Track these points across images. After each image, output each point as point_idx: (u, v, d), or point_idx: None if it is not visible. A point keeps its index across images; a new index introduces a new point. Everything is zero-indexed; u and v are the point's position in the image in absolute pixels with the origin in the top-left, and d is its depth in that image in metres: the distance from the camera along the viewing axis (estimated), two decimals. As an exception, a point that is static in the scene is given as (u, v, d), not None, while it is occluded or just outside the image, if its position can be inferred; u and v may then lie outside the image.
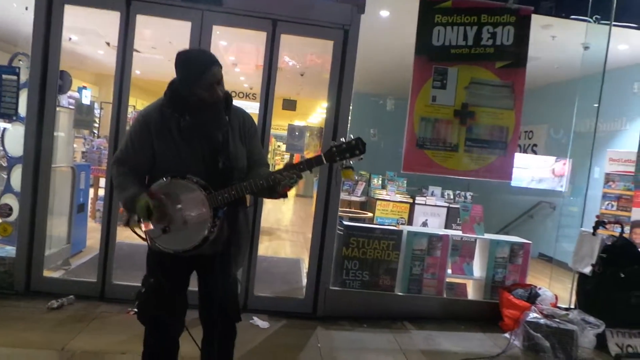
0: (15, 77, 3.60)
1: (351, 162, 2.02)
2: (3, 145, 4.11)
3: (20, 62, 3.92)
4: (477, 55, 3.91)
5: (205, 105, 1.98)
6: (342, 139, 2.01)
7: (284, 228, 7.86)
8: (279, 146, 18.63)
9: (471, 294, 4.35)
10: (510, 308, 3.83)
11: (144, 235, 2.08)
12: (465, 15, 3.85)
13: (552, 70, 6.64)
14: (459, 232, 4.31)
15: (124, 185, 2.03)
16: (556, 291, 4.12)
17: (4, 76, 3.56)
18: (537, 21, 4.10)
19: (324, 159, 1.99)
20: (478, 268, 4.34)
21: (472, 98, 3.94)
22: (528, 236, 4.47)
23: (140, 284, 2.16)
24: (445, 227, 6.29)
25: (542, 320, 3.52)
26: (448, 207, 6.80)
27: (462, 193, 7.06)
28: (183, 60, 1.99)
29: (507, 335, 3.73)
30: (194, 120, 1.99)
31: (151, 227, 1.99)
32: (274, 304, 3.84)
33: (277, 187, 1.99)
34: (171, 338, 2.20)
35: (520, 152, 4.37)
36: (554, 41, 5.27)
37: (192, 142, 2.00)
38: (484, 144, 3.98)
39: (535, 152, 7.78)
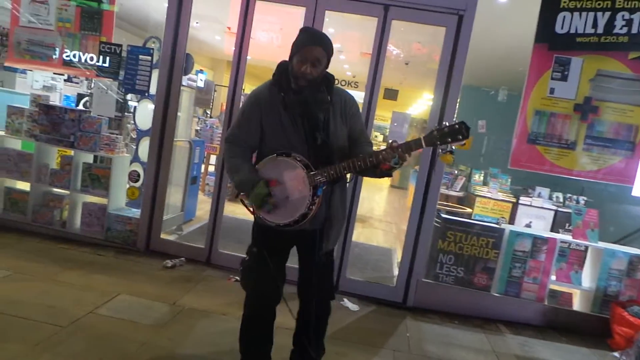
0: (149, 58, 4.02)
1: (453, 147, 1.94)
2: (134, 120, 4.64)
3: (153, 44, 4.37)
4: (608, 45, 3.54)
5: (300, 81, 2.05)
6: (445, 123, 1.95)
7: (377, 217, 7.86)
8: (375, 136, 18.55)
9: (577, 304, 4.02)
10: (623, 325, 3.47)
11: (250, 208, 2.21)
12: (598, -1, 3.50)
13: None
14: (568, 237, 3.98)
15: (237, 166, 2.17)
16: (682, 314, 3.64)
17: (140, 56, 3.99)
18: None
19: (423, 142, 1.95)
20: (588, 278, 3.98)
21: (598, 92, 3.59)
22: (651, 251, 4.00)
23: (243, 254, 2.31)
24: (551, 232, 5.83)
25: (662, 344, 3.15)
26: (556, 211, 6.29)
27: (574, 197, 6.48)
28: (299, 32, 2.11)
29: (616, 354, 3.41)
30: (297, 97, 2.07)
31: None
32: (365, 289, 3.89)
33: (377, 167, 2.00)
34: (269, 305, 2.32)
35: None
36: None
37: (295, 119, 2.09)
38: (607, 143, 3.62)
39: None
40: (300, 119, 2.09)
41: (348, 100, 2.24)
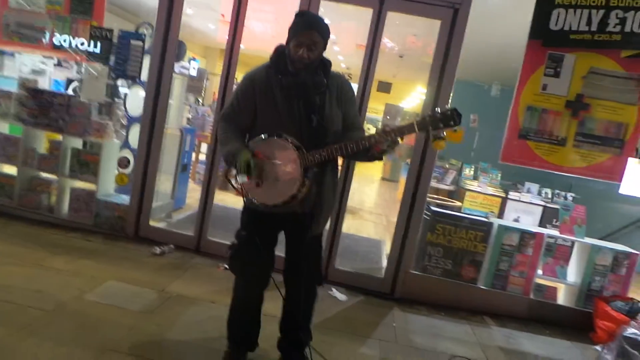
0: (141, 43, 3.97)
1: (444, 133, 1.98)
2: (125, 106, 4.58)
3: (145, 30, 4.31)
4: (601, 43, 3.55)
5: (297, 64, 2.07)
6: (438, 109, 1.98)
7: (368, 209, 7.89)
8: (368, 129, 18.55)
9: (562, 299, 4.08)
10: (606, 320, 3.54)
11: (237, 187, 2.19)
12: (592, -4, 3.52)
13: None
14: (555, 233, 4.03)
15: (227, 140, 2.18)
16: (663, 310, 3.71)
17: (132, 41, 3.94)
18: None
19: (416, 127, 1.98)
20: (573, 273, 4.04)
21: (589, 89, 3.61)
22: (634, 249, 4.07)
23: (230, 242, 2.32)
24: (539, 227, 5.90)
25: (643, 338, 3.21)
26: (544, 207, 6.36)
27: (562, 193, 6.55)
28: (295, 16, 2.12)
29: (597, 347, 3.47)
30: (294, 79, 2.09)
31: (246, 180, 2.10)
32: (353, 279, 3.91)
33: (369, 151, 2.02)
34: (257, 289, 2.35)
35: (637, 156, 3.83)
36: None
37: (291, 101, 2.10)
38: (597, 140, 3.65)
39: (654, 157, 6.94)
40: (296, 101, 2.10)
41: (344, 85, 2.25)
